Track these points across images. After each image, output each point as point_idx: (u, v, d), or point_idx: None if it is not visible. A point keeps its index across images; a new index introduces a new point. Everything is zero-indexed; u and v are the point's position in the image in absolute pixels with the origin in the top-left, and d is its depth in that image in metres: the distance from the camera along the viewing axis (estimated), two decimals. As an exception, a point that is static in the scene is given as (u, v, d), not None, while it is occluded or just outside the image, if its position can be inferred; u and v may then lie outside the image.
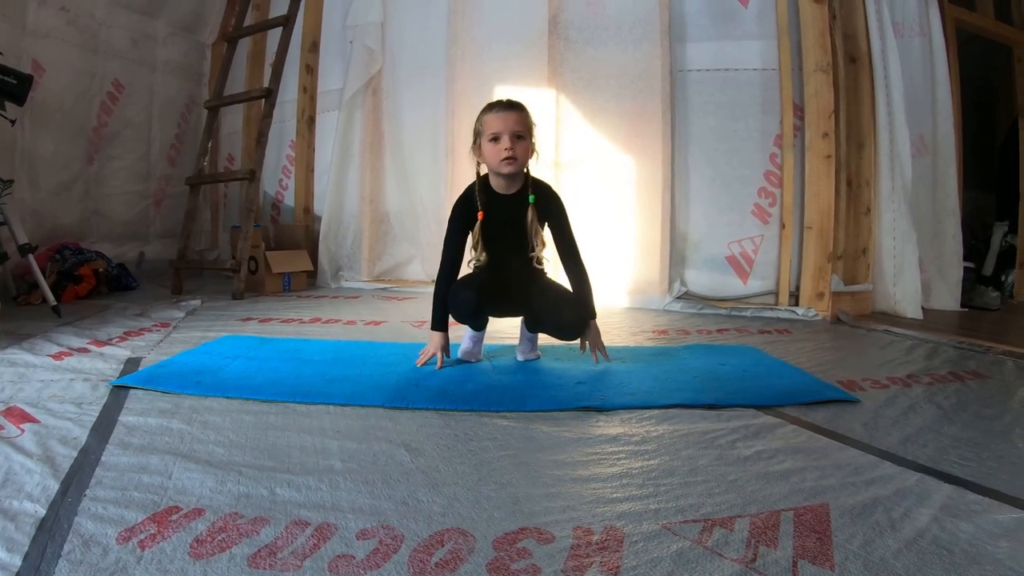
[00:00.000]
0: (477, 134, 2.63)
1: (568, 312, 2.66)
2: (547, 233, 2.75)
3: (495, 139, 2.54)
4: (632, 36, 4.70)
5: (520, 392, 2.33)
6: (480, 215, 2.64)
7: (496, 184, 2.67)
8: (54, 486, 1.44)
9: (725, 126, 4.64)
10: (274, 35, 5.59)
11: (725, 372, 2.68)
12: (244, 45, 6.31)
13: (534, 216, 2.65)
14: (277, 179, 6.41)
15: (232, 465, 1.59)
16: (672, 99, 4.65)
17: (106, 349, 2.84)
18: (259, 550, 1.20)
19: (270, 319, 3.85)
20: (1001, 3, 5.79)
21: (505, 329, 3.21)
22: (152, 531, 1.25)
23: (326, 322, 3.80)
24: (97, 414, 1.95)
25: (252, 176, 5.00)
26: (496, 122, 2.55)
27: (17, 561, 1.14)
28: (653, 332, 3.68)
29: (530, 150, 2.61)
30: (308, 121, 6.10)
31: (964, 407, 2.30)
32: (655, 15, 4.62)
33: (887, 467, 1.67)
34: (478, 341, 2.81)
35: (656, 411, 2.14)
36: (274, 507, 1.38)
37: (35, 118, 4.96)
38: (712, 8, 4.67)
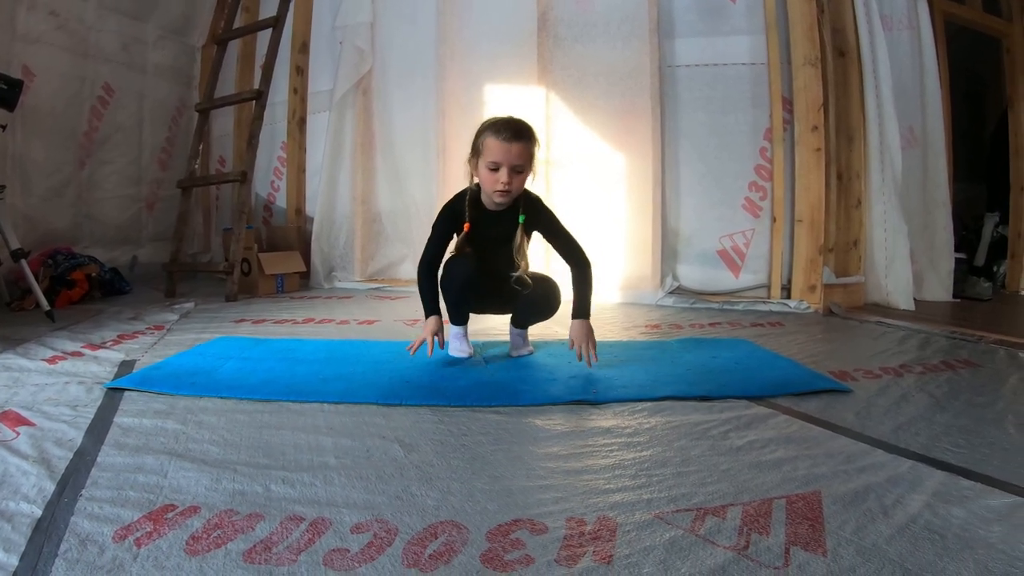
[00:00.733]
0: (476, 150, 2.54)
1: (542, 300, 2.72)
2: (538, 242, 2.76)
3: (494, 168, 2.47)
4: (621, 33, 4.71)
5: (513, 387, 2.34)
6: (467, 226, 2.63)
7: (487, 200, 2.63)
8: (50, 487, 1.44)
9: (715, 121, 4.65)
10: (264, 37, 5.58)
11: (717, 364, 2.69)
12: (234, 47, 6.30)
13: (523, 236, 2.64)
14: (269, 181, 6.41)
15: (227, 463, 1.60)
16: (662, 95, 4.66)
17: (100, 352, 2.83)
18: (254, 545, 1.20)
19: (264, 320, 3.85)
20: (989, -5, 5.82)
21: (498, 326, 3.22)
22: (148, 529, 1.26)
23: (319, 322, 3.80)
24: (92, 416, 1.95)
25: (243, 178, 5.00)
26: (498, 152, 2.44)
27: (14, 561, 1.14)
28: (646, 327, 3.69)
29: (528, 175, 2.55)
30: (299, 122, 6.10)
31: (956, 395, 2.31)
32: (643, 11, 4.63)
33: (879, 455, 1.68)
34: (463, 336, 2.80)
35: (648, 404, 2.15)
36: (269, 503, 1.38)
37: (26, 123, 4.95)
38: (700, 4, 4.68)
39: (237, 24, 5.91)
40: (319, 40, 6.05)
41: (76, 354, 2.78)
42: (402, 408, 2.09)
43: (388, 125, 5.59)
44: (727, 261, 4.68)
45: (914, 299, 4.45)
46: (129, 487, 1.45)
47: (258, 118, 5.12)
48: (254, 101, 5.18)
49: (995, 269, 5.78)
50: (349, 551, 1.19)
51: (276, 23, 5.24)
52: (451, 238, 2.70)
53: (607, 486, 1.49)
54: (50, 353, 2.78)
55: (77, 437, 1.75)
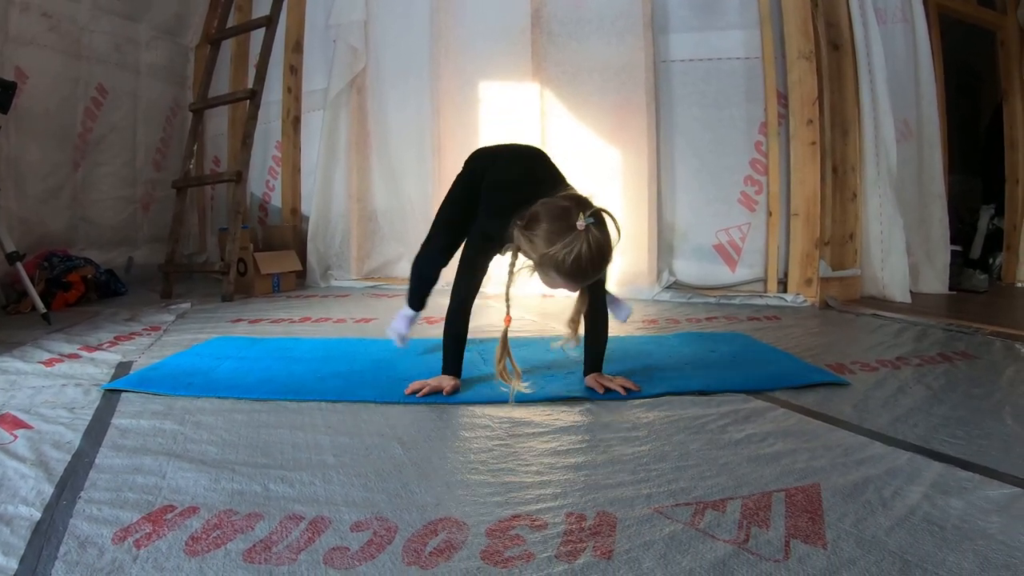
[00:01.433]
0: (542, 262, 1.94)
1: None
2: None
3: (551, 286, 2.02)
4: (615, 28, 4.71)
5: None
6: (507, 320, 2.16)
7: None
8: (48, 490, 1.44)
9: (710, 115, 4.66)
10: (257, 36, 5.57)
11: (715, 359, 2.70)
12: (227, 47, 6.28)
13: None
14: (264, 180, 6.39)
15: (225, 463, 1.59)
16: (656, 90, 4.67)
17: (97, 354, 2.83)
18: (254, 545, 1.20)
19: (260, 320, 3.85)
20: (983, -12, 5.83)
21: (495, 323, 3.21)
22: (147, 530, 1.25)
23: (316, 321, 3.80)
24: (90, 418, 1.94)
25: (239, 178, 4.99)
26: (563, 285, 2.01)
27: (14, 564, 1.14)
28: (643, 322, 3.69)
29: None
30: (293, 121, 6.09)
31: (953, 387, 2.31)
32: (637, 7, 4.64)
33: (877, 447, 1.69)
34: (410, 324, 2.79)
35: (647, 399, 2.15)
36: (268, 503, 1.38)
37: (20, 125, 4.94)
38: (694, -1, 4.69)
39: (230, 24, 5.89)
40: (313, 39, 6.04)
41: (73, 356, 2.78)
42: (400, 406, 2.10)
43: (383, 123, 5.59)
44: (723, 255, 4.68)
45: (910, 292, 4.45)
46: (128, 488, 1.44)
47: (252, 118, 5.11)
48: (248, 101, 5.18)
49: (991, 261, 5.80)
50: (349, 549, 1.19)
51: (269, 22, 5.23)
52: (466, 230, 2.37)
53: (606, 481, 1.49)
54: (47, 355, 2.77)
55: (75, 439, 1.75)
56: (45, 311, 3.63)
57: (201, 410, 2.03)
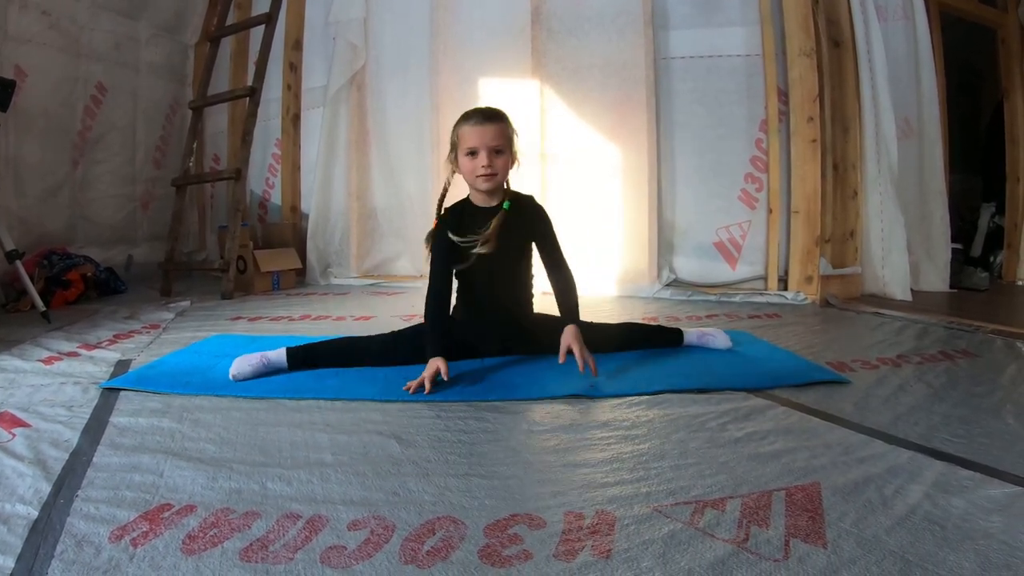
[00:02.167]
0: (453, 146, 2.50)
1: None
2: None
3: (472, 153, 2.42)
4: (615, 25, 4.70)
5: (510, 381, 2.33)
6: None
7: (475, 197, 2.57)
8: (46, 488, 1.43)
9: (710, 113, 4.65)
10: (257, 34, 5.57)
11: (715, 356, 2.69)
12: (227, 44, 6.28)
13: (498, 224, 2.46)
14: (264, 178, 6.39)
15: (223, 462, 1.59)
16: (656, 87, 4.66)
17: (96, 352, 2.83)
18: (251, 544, 1.20)
19: (259, 318, 3.85)
20: (984, -15, 5.82)
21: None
22: (144, 529, 1.25)
23: (315, 319, 3.80)
24: (88, 416, 1.94)
25: (238, 175, 4.99)
26: (473, 136, 2.41)
27: (10, 563, 1.14)
28: (643, 319, 3.68)
29: (511, 161, 2.48)
30: (293, 119, 6.08)
31: (954, 385, 2.31)
32: (637, 4, 4.63)
33: (878, 446, 1.68)
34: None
35: (646, 396, 2.15)
36: (265, 501, 1.37)
37: (19, 124, 4.94)
38: (694, -5, 4.68)
39: (230, 21, 5.90)
40: (312, 36, 6.03)
41: (72, 354, 2.78)
42: (398, 404, 2.09)
43: (382, 120, 5.59)
44: (724, 253, 4.68)
45: (911, 290, 4.45)
46: (125, 487, 1.44)
47: (252, 115, 5.11)
48: (248, 98, 5.17)
49: (991, 259, 5.79)
50: (346, 548, 1.18)
51: (269, 20, 5.22)
52: (451, 261, 2.53)
53: (605, 480, 1.49)
54: (46, 354, 2.77)
55: (73, 437, 1.75)
56: (44, 309, 3.63)
57: (199, 408, 2.03)
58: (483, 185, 2.47)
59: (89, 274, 4.70)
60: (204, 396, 2.16)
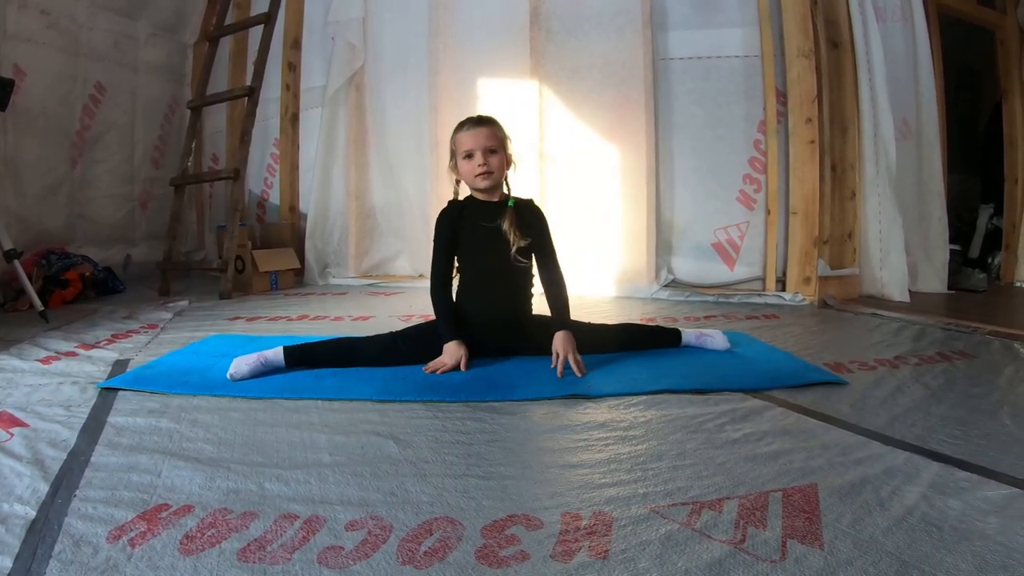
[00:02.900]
0: (453, 154, 2.67)
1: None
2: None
3: (469, 156, 2.58)
4: (614, 26, 4.71)
5: (508, 381, 2.33)
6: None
7: (479, 196, 2.69)
8: (44, 488, 1.43)
9: (709, 113, 4.65)
10: (256, 33, 5.57)
11: (713, 357, 2.69)
12: (226, 44, 6.28)
13: (512, 218, 2.60)
14: (262, 178, 6.39)
15: (221, 462, 1.59)
16: (655, 88, 4.66)
17: (94, 352, 2.83)
18: (248, 544, 1.20)
19: (258, 318, 3.85)
20: (983, -13, 5.82)
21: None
22: (142, 529, 1.25)
23: (314, 319, 3.79)
24: (86, 416, 1.94)
25: (237, 175, 4.98)
26: (468, 140, 2.59)
27: (8, 563, 1.14)
28: (641, 320, 3.68)
29: (506, 162, 2.63)
30: (292, 119, 6.09)
31: (952, 387, 2.31)
32: (636, 4, 4.64)
33: (875, 447, 1.68)
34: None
35: (644, 397, 2.15)
36: (263, 502, 1.38)
37: (17, 123, 4.94)
38: (693, -4, 4.69)
39: (229, 21, 5.90)
40: (311, 36, 6.03)
41: (70, 354, 2.78)
42: (397, 404, 2.09)
43: (381, 120, 5.59)
44: (722, 254, 4.68)
45: (909, 291, 4.45)
46: (123, 487, 1.44)
47: (251, 115, 5.11)
48: (246, 98, 5.17)
49: (990, 260, 5.80)
50: (343, 549, 1.18)
51: (268, 19, 5.22)
52: (455, 246, 2.66)
53: (602, 480, 1.49)
54: (44, 353, 2.77)
55: (71, 437, 1.75)
56: (43, 309, 3.63)
57: (197, 408, 2.03)
58: (482, 183, 2.59)
59: (87, 274, 4.70)
60: (202, 396, 2.16)
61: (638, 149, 4.67)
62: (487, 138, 2.58)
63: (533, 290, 2.71)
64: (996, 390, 2.27)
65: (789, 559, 1.14)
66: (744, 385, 2.27)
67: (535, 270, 2.70)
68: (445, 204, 2.72)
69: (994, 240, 5.83)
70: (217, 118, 6.69)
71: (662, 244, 4.77)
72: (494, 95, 5.05)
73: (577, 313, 2.68)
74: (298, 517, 1.30)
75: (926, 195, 4.89)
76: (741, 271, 4.66)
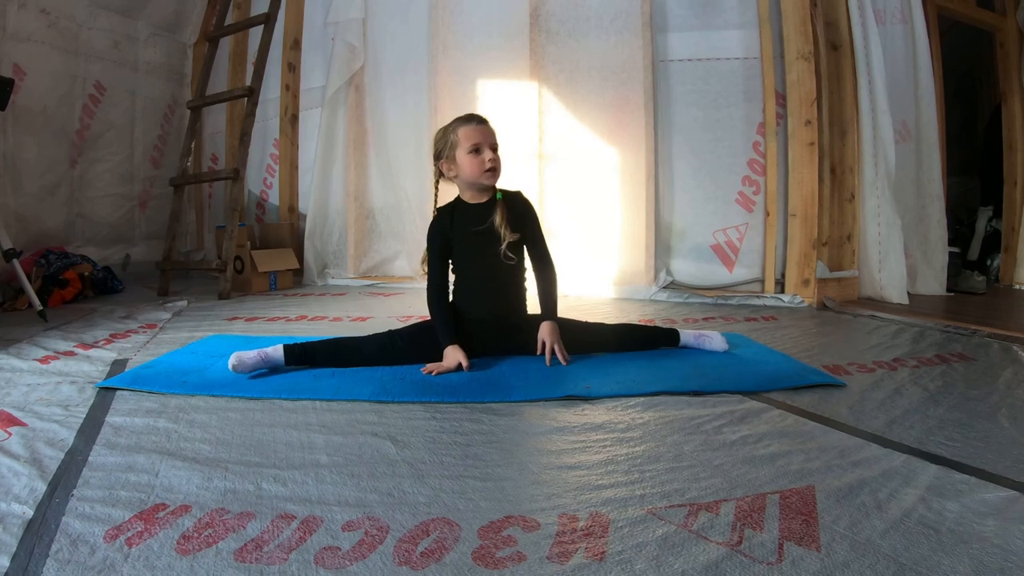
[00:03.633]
0: (451, 147, 2.61)
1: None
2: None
3: (476, 151, 2.55)
4: (614, 27, 4.71)
5: (505, 382, 2.33)
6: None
7: (468, 196, 2.68)
8: (41, 487, 1.43)
9: (708, 115, 4.66)
10: (256, 34, 5.58)
11: (711, 359, 2.69)
12: (226, 44, 6.29)
13: (503, 213, 2.62)
14: (261, 178, 6.40)
15: (218, 462, 1.59)
16: (655, 89, 4.67)
17: (92, 352, 2.83)
18: (245, 544, 1.20)
19: (256, 318, 3.84)
20: (983, -11, 5.83)
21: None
22: (139, 528, 1.25)
23: (312, 319, 3.79)
24: (84, 416, 1.94)
25: (236, 175, 4.99)
26: (476, 134, 2.56)
27: (5, 562, 1.14)
28: (639, 321, 3.68)
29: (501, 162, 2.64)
30: (291, 119, 6.09)
31: (950, 389, 2.31)
32: (636, 6, 4.64)
33: (873, 449, 1.68)
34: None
35: (642, 398, 2.15)
36: (260, 502, 1.37)
37: (17, 122, 4.94)
38: (693, -2, 4.69)
39: (228, 21, 5.90)
40: (311, 37, 6.05)
41: (68, 353, 2.78)
42: (394, 405, 2.09)
43: (380, 121, 5.59)
44: (721, 256, 4.69)
45: (908, 293, 4.46)
46: (120, 487, 1.44)
47: (250, 115, 5.11)
48: (246, 98, 5.18)
49: (988, 263, 5.81)
50: (340, 549, 1.18)
51: (267, 20, 5.23)
52: (448, 253, 2.68)
53: (600, 482, 1.49)
54: (42, 353, 2.77)
55: (69, 437, 1.75)
56: (41, 308, 3.63)
57: (195, 408, 2.03)
58: (488, 180, 2.59)
59: (86, 273, 4.71)
60: (200, 396, 2.16)
61: (637, 151, 4.68)
62: (492, 135, 2.60)
63: (526, 284, 2.73)
64: (994, 392, 2.27)
65: (786, 561, 1.14)
66: (742, 387, 2.26)
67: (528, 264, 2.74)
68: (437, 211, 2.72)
69: (993, 242, 5.84)
70: (217, 118, 6.70)
71: (661, 246, 4.77)
72: (494, 96, 5.05)
73: (576, 314, 2.72)
74: (295, 517, 1.30)
75: (925, 197, 4.90)
76: (740, 273, 4.66)
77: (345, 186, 5.69)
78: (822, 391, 2.25)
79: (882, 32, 4.49)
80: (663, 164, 4.73)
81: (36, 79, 5.14)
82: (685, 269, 4.78)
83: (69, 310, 4.06)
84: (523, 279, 2.73)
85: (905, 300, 4.38)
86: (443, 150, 2.64)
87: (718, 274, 4.71)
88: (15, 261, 3.70)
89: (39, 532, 1.24)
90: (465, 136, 2.57)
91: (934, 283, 4.89)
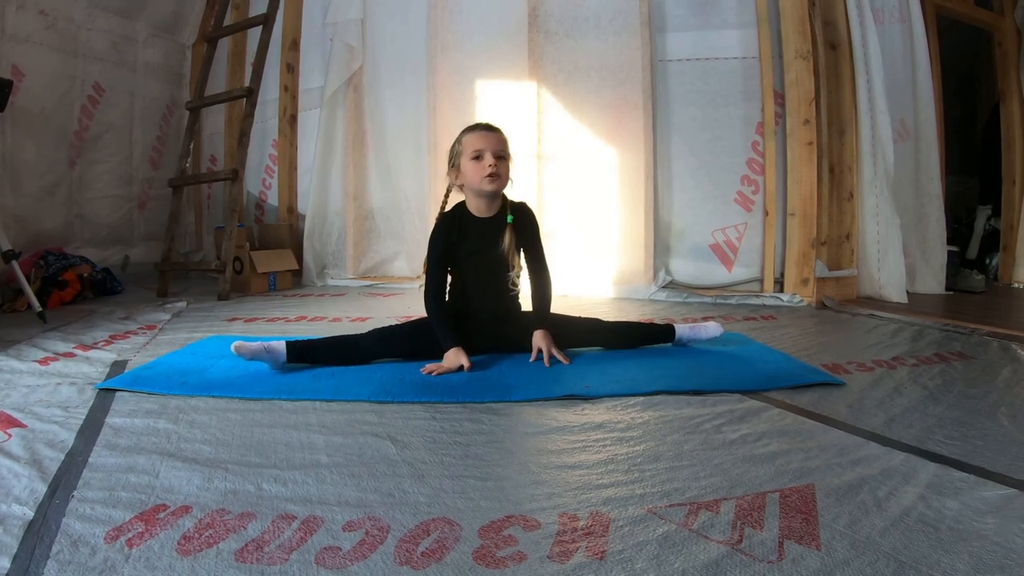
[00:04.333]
0: (456, 155, 2.63)
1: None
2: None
3: (477, 157, 2.55)
4: (612, 27, 4.71)
5: (505, 382, 2.33)
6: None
7: (475, 206, 2.67)
8: (42, 488, 1.43)
9: (707, 115, 4.66)
10: (254, 34, 5.57)
11: (710, 358, 2.69)
12: (224, 45, 6.28)
13: (511, 238, 2.64)
14: (260, 178, 6.39)
15: (219, 462, 1.59)
16: (653, 89, 4.67)
17: (92, 353, 2.83)
18: (246, 545, 1.20)
19: (256, 319, 3.84)
20: (981, -12, 5.83)
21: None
22: (140, 529, 1.25)
23: (312, 320, 3.79)
24: (84, 417, 1.94)
25: (235, 176, 4.98)
26: (478, 141, 2.56)
27: (6, 563, 1.13)
28: (639, 321, 3.69)
29: (510, 166, 2.62)
30: (290, 120, 6.09)
31: (949, 387, 2.31)
32: (634, 6, 4.64)
33: (873, 448, 1.68)
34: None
35: (641, 398, 2.15)
36: (261, 502, 1.37)
37: (16, 123, 4.94)
38: (691, -2, 4.69)
39: (227, 22, 5.89)
40: (310, 37, 6.04)
41: (68, 355, 2.78)
42: (394, 405, 2.09)
43: (379, 121, 5.59)
44: (720, 255, 4.69)
45: (907, 292, 4.46)
46: (121, 488, 1.44)
47: (249, 116, 5.11)
48: (245, 99, 5.17)
49: (987, 261, 5.81)
50: (341, 549, 1.18)
51: (266, 20, 5.22)
52: (450, 262, 2.69)
53: (600, 481, 1.49)
54: (42, 354, 2.77)
55: (69, 438, 1.75)
56: (41, 309, 3.62)
57: (195, 409, 2.03)
58: (489, 186, 2.55)
59: (85, 274, 4.71)
60: (200, 397, 2.16)
61: (636, 150, 4.68)
62: (498, 142, 2.58)
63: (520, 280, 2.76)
64: (994, 391, 2.27)
65: (786, 560, 1.14)
66: (742, 386, 2.27)
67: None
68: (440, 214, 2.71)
69: (992, 241, 5.84)
70: (215, 119, 6.69)
71: (660, 245, 4.77)
72: (493, 96, 5.05)
73: (575, 314, 2.70)
74: (296, 518, 1.30)
75: (924, 196, 4.90)
76: (739, 272, 4.67)
77: (344, 187, 5.68)
78: (821, 390, 2.26)
79: (880, 31, 4.49)
80: (662, 164, 4.73)
81: (35, 80, 5.13)
82: (684, 269, 4.79)
83: (68, 311, 4.06)
84: (519, 278, 2.74)
85: (904, 299, 4.38)
86: (452, 159, 2.66)
87: (717, 274, 4.71)
88: (14, 262, 3.70)
89: (40, 533, 1.24)
90: (468, 143, 2.59)
91: (933, 282, 4.89)
